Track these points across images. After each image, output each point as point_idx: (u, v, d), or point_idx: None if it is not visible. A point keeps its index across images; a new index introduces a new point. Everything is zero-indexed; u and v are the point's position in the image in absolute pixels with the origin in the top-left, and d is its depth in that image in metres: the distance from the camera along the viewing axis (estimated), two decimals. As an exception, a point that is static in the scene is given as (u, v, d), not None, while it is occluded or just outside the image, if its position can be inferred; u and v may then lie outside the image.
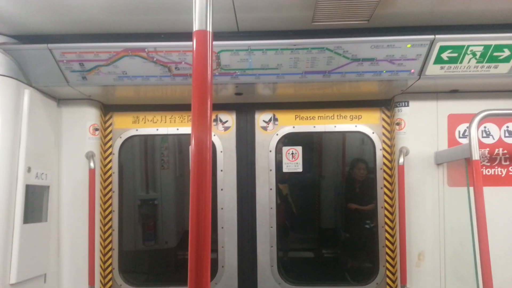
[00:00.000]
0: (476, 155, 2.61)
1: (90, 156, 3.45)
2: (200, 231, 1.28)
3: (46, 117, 3.26)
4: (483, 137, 3.39)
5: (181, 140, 4.57)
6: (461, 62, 2.92)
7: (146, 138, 4.34)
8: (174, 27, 2.81)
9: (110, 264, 3.68)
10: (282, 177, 3.85)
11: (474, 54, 2.87)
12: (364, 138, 3.96)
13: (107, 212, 3.68)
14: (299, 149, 3.74)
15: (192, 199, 1.30)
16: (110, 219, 3.70)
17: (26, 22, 2.74)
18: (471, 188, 2.68)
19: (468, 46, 2.83)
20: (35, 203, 3.15)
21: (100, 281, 3.60)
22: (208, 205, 1.31)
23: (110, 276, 3.68)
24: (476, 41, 2.81)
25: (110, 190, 3.71)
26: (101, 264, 3.60)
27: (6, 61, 2.88)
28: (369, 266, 3.82)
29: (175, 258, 4.78)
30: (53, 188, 3.32)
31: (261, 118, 3.76)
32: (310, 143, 4.62)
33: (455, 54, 2.87)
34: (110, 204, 3.70)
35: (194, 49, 1.37)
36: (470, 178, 2.77)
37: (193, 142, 1.33)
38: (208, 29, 1.36)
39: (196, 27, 1.36)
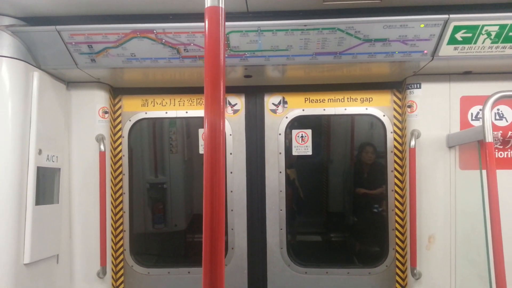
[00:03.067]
0: (489, 137, 2.57)
1: (100, 139, 3.47)
2: (214, 213, 1.28)
3: (55, 99, 3.27)
4: (496, 119, 3.34)
5: (189, 124, 4.57)
6: (475, 43, 2.85)
7: (154, 121, 4.34)
8: (183, 7, 2.77)
9: (122, 245, 3.72)
10: (290, 161, 3.83)
11: (489, 34, 2.80)
12: (373, 121, 3.92)
13: (117, 194, 3.71)
14: (308, 132, 3.72)
15: (205, 182, 1.29)
16: (121, 201, 3.73)
17: (34, 3, 2.72)
18: (484, 171, 2.64)
19: (483, 26, 2.75)
20: (47, 185, 3.17)
21: (112, 262, 3.65)
22: (222, 188, 1.30)
23: (121, 257, 3.72)
24: (492, 21, 2.73)
25: (121, 172, 3.73)
26: (112, 246, 3.65)
27: (15, 43, 2.87)
28: (379, 250, 3.82)
29: (184, 240, 4.84)
30: (64, 170, 3.34)
31: (270, 101, 3.73)
32: (319, 126, 4.61)
33: (470, 34, 2.80)
34: (121, 187, 3.73)
35: (206, 27, 1.34)
36: (483, 161, 2.73)
37: (206, 125, 1.31)
38: (220, 5, 1.32)
39: (208, 3, 1.33)
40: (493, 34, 2.79)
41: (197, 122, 3.96)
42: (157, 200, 4.72)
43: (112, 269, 3.66)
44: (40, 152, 2.99)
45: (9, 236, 2.78)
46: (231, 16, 2.70)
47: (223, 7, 1.33)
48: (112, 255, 3.66)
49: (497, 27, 2.75)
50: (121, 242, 3.72)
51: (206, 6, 1.33)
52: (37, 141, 2.95)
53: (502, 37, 2.80)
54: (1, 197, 2.77)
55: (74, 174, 3.47)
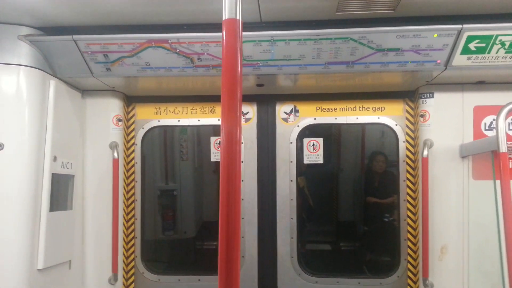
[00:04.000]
0: (503, 148, 2.56)
1: (113, 146, 3.51)
2: (230, 221, 1.29)
3: (71, 107, 3.32)
4: (510, 129, 3.31)
5: (200, 131, 4.60)
6: (489, 53, 2.84)
7: (166, 129, 4.38)
8: (197, 18, 2.81)
9: (133, 252, 3.74)
10: (301, 169, 3.83)
11: (503, 44, 2.79)
12: (384, 130, 3.91)
13: (130, 201, 3.74)
14: (320, 141, 3.72)
15: (222, 190, 1.31)
16: (133, 208, 3.76)
17: (51, 14, 2.78)
18: (498, 182, 2.62)
19: (497, 35, 2.75)
20: (61, 192, 3.22)
21: (123, 269, 3.68)
22: (238, 196, 1.31)
23: (132, 264, 3.74)
24: (505, 31, 2.72)
25: (133, 180, 3.76)
26: (124, 252, 3.67)
27: (32, 52, 2.93)
28: (390, 260, 3.79)
29: (194, 247, 4.85)
30: (78, 177, 3.39)
31: (282, 109, 3.75)
32: (331, 135, 4.61)
33: (483, 44, 2.80)
34: (133, 194, 3.76)
35: (224, 38, 1.36)
36: (497, 171, 2.71)
37: (222, 134, 1.33)
38: (238, 18, 1.35)
39: (225, 15, 1.35)
40: (507, 44, 2.78)
41: (208, 130, 3.99)
42: (167, 207, 4.75)
43: (123, 276, 3.68)
44: (55, 159, 3.03)
45: (23, 242, 2.82)
46: (244, 26, 2.70)
47: (240, 19, 1.36)
48: (124, 261, 3.68)
49: (511, 37, 2.74)
50: (132, 249, 3.74)
51: (224, 19, 1.35)
52: (52, 148, 3.00)
53: (516, 47, 2.79)
54: (16, 203, 2.82)
55: (88, 181, 3.50)
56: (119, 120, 3.61)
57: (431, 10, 2.72)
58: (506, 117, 2.64)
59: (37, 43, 2.92)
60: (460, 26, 2.70)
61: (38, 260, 2.89)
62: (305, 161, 3.73)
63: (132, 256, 3.75)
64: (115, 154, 3.48)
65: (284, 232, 3.70)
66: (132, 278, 3.75)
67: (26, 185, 2.85)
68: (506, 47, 2.80)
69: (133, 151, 3.78)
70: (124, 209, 3.68)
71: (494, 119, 3.22)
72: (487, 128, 3.34)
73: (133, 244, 3.75)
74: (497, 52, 2.83)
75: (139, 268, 3.78)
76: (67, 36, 2.88)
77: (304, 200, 4.27)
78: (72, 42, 2.89)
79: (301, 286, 3.69)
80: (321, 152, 3.72)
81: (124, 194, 3.68)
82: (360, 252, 4.63)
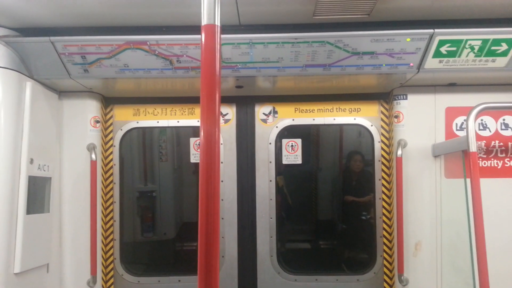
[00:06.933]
0: (473, 147, 2.66)
1: (91, 148, 3.48)
2: (209, 222, 1.32)
3: (47, 109, 3.28)
4: (480, 129, 3.44)
5: (179, 132, 4.59)
6: (459, 56, 2.96)
7: (145, 130, 4.36)
8: (177, 20, 2.82)
9: (112, 254, 3.72)
10: (280, 169, 3.89)
11: (472, 48, 2.91)
12: (361, 130, 4.00)
13: (108, 203, 3.72)
14: (298, 141, 3.78)
15: (201, 190, 1.34)
16: (111, 210, 3.73)
17: (28, 15, 2.74)
18: (468, 180, 2.73)
19: (467, 40, 2.86)
20: (38, 194, 3.17)
21: (102, 271, 3.65)
22: (217, 196, 1.34)
23: (111, 266, 3.72)
24: (475, 35, 2.84)
25: (111, 181, 3.74)
26: (102, 255, 3.65)
27: (8, 53, 2.88)
28: (367, 257, 3.88)
29: (174, 249, 4.84)
30: (55, 179, 3.34)
31: (261, 110, 3.79)
32: (309, 136, 4.68)
33: (454, 48, 2.91)
34: (111, 196, 3.74)
35: (203, 43, 1.39)
36: (467, 170, 2.82)
37: (202, 135, 1.36)
38: (216, 23, 1.38)
39: (204, 21, 1.38)
40: (476, 48, 2.90)
41: (187, 130, 4.00)
42: (146, 208, 4.72)
43: (102, 278, 3.66)
44: (31, 161, 2.99)
45: (-1, 246, 2.77)
46: (223, 29, 2.73)
47: (219, 25, 1.39)
48: (102, 264, 3.66)
49: (480, 41, 2.86)
50: (111, 251, 3.72)
51: (202, 24, 1.38)
52: (28, 150, 2.95)
53: (485, 51, 2.91)
54: (-8, 206, 2.77)
55: (65, 183, 3.46)
56: (97, 122, 3.58)
57: (404, 15, 2.81)
58: (476, 118, 2.75)
59: (13, 44, 2.87)
60: (432, 30, 2.80)
61: (14, 264, 2.84)
62: (284, 162, 3.79)
63: (111, 258, 3.72)
64: (93, 156, 3.45)
65: (263, 232, 3.74)
66: (111, 280, 3.73)
67: (2, 187, 2.80)
68: (475, 51, 2.92)
69: (111, 152, 3.75)
70: (102, 211, 3.65)
71: (465, 120, 3.33)
72: (458, 128, 3.46)
73: (112, 246, 3.73)
74: (467, 56, 2.95)
75: (118, 270, 3.76)
76: (44, 38, 2.85)
77: (283, 199, 4.32)
78: (49, 44, 2.86)
79: (281, 284, 3.75)
80: (299, 152, 3.78)
81: (102, 196, 3.66)
82: (338, 249, 4.72)
